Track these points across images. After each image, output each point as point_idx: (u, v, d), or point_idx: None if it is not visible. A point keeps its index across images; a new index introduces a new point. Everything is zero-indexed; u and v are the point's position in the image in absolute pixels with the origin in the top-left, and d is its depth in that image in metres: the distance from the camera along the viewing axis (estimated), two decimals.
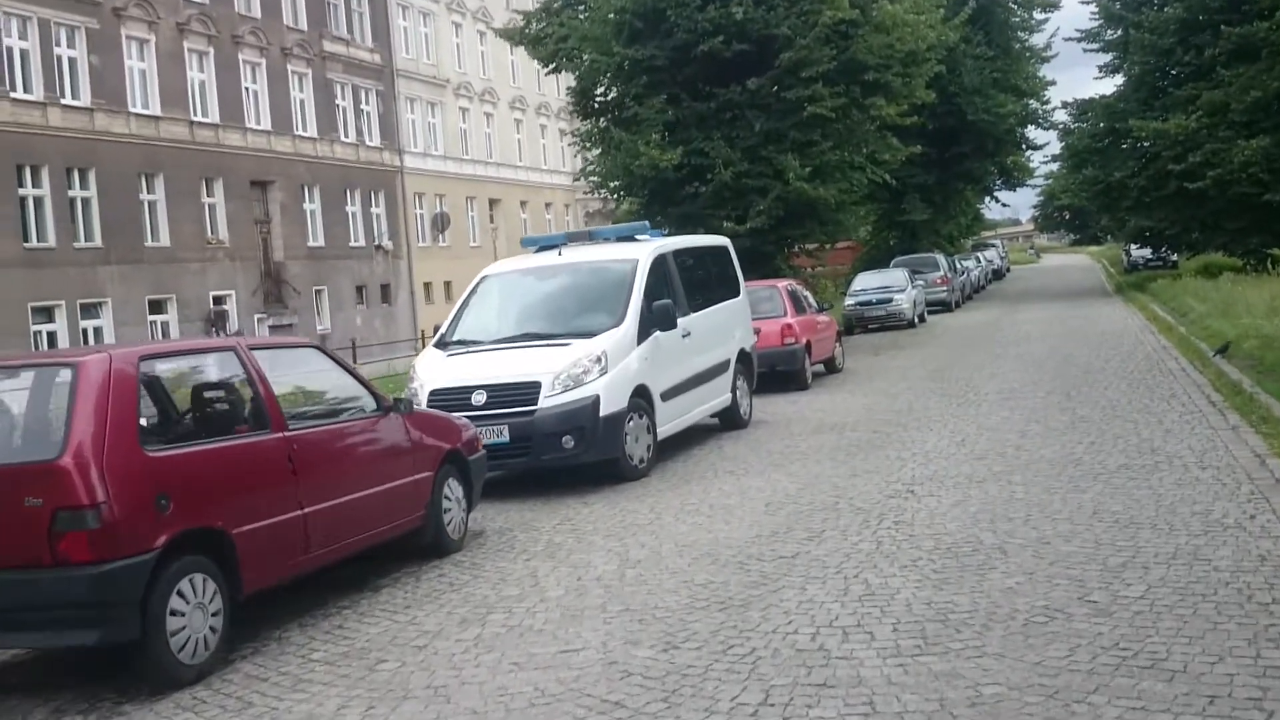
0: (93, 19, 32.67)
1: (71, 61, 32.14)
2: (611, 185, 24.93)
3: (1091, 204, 40.93)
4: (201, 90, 36.55)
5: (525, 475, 10.63)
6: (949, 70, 33.83)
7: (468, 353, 10.99)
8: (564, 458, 10.17)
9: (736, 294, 13.97)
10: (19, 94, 30.42)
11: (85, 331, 32.21)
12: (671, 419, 11.49)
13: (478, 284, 12.24)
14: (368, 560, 7.78)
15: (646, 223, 12.43)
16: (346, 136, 43.30)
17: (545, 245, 12.62)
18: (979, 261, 50.82)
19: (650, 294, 11.38)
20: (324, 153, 41.85)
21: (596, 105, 25.92)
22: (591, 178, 25.36)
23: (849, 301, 30.54)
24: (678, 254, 12.55)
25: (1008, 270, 68.89)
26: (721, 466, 11.08)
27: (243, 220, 38.00)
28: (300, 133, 40.80)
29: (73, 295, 31.75)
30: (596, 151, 25.25)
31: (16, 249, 30.37)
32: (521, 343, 10.93)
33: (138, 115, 34.10)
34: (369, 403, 7.64)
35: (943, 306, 35.13)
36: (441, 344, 11.39)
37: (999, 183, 51.35)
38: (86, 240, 32.58)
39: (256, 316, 37.61)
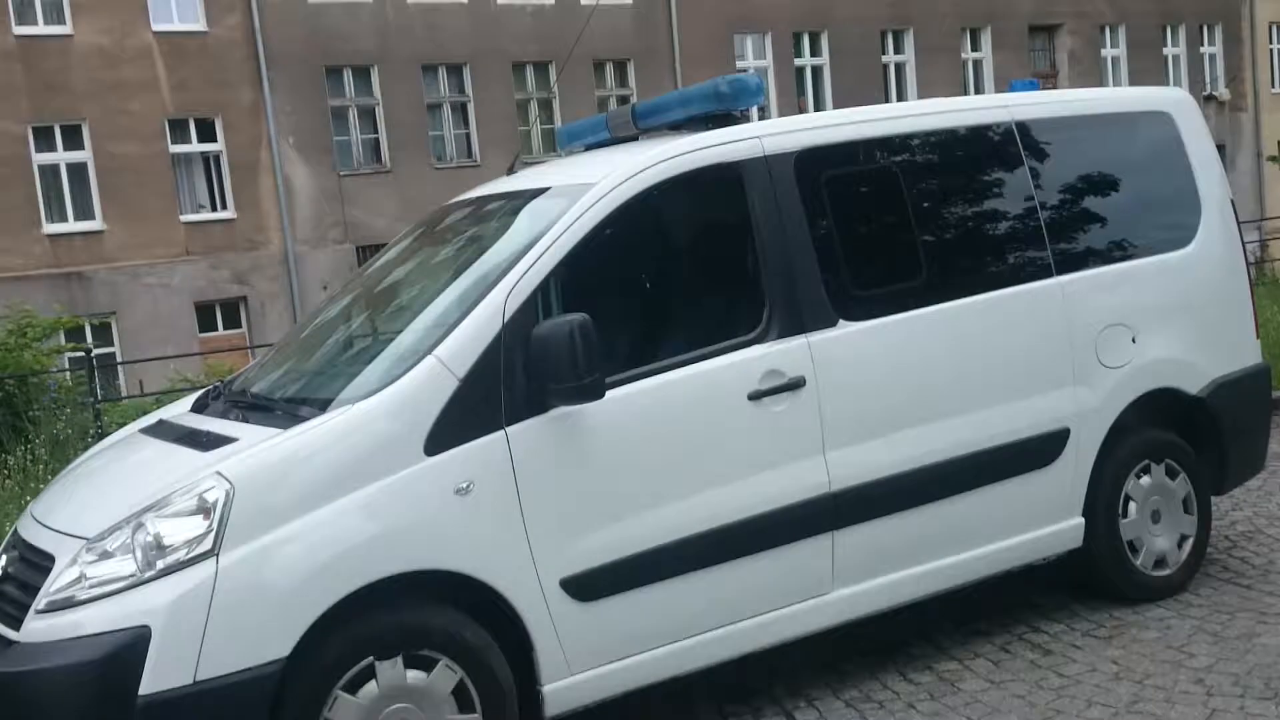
0: None
1: None
2: None
3: None
4: None
5: None
6: None
7: (209, 421, 4.15)
8: None
9: (1182, 241, 4.90)
10: None
11: None
12: (667, 638, 3.79)
13: (401, 238, 5.31)
14: None
15: (758, 79, 4.18)
16: None
17: (596, 143, 5.16)
18: None
19: (577, 295, 3.75)
20: None
21: None
22: None
23: None
24: (818, 163, 4.20)
25: None
26: None
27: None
28: None
29: None
30: None
31: None
32: (264, 414, 3.99)
33: None
34: None
35: None
36: (242, 388, 4.65)
37: None
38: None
39: None
